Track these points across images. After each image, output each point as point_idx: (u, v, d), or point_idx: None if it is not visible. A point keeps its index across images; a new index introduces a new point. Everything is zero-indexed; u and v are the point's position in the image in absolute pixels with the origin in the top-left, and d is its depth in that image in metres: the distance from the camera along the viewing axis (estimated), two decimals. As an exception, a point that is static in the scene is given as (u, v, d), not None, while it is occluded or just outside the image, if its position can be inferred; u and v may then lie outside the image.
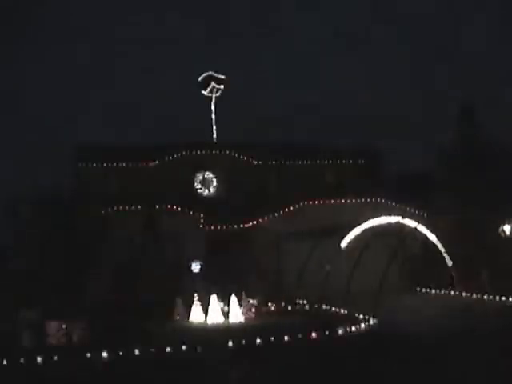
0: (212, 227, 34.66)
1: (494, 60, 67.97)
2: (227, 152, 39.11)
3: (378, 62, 72.69)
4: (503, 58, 71.39)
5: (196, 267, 30.66)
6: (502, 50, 72.72)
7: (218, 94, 41.39)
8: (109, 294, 30.66)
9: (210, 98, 41.39)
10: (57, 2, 76.94)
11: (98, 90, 65.68)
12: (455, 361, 15.45)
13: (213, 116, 41.26)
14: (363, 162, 40.44)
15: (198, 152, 38.89)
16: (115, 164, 37.79)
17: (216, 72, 41.39)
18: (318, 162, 39.83)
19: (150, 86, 64.76)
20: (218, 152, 39.12)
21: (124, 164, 37.89)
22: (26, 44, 71.51)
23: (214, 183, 38.80)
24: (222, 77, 41.38)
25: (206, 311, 26.80)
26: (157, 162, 38.24)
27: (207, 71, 41.33)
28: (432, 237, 30.50)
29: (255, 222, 34.93)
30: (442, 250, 30.34)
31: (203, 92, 41.27)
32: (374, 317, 22.12)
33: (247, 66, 69.58)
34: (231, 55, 69.09)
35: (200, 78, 41.28)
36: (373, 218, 29.56)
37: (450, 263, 30.25)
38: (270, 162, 39.48)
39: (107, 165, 37.70)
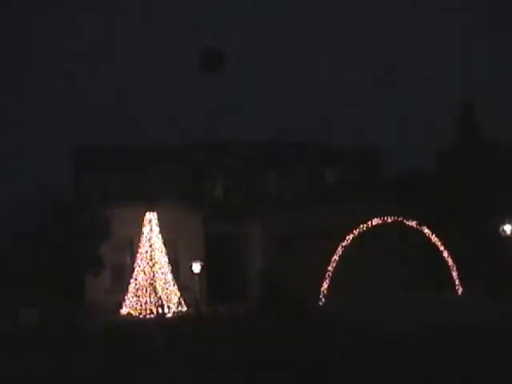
0: (212, 227, 34.64)
1: (494, 59, 68.01)
2: (227, 152, 39.07)
3: (376, 62, 72.80)
4: (503, 56, 71.42)
5: (196, 267, 30.62)
6: (502, 49, 72.78)
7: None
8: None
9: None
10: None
11: (98, 90, 65.74)
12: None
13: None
14: (363, 162, 40.39)
15: (198, 152, 38.87)
16: (115, 164, 37.76)
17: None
18: (317, 162, 39.77)
19: (150, 86, 64.82)
20: (218, 152, 39.09)
21: (124, 164, 37.85)
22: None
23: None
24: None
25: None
26: (157, 162, 38.19)
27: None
28: (433, 237, 30.50)
29: (255, 222, 34.87)
30: (443, 250, 30.36)
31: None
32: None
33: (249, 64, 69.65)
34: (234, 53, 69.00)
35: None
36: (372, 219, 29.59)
37: (450, 264, 30.27)
38: (269, 162, 39.46)
39: (107, 165, 37.66)
